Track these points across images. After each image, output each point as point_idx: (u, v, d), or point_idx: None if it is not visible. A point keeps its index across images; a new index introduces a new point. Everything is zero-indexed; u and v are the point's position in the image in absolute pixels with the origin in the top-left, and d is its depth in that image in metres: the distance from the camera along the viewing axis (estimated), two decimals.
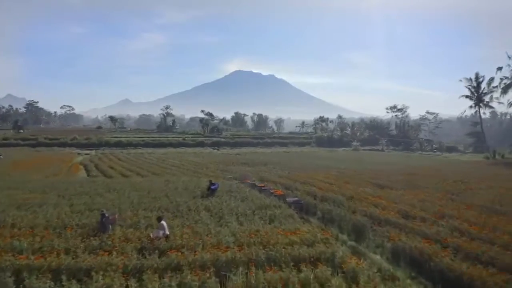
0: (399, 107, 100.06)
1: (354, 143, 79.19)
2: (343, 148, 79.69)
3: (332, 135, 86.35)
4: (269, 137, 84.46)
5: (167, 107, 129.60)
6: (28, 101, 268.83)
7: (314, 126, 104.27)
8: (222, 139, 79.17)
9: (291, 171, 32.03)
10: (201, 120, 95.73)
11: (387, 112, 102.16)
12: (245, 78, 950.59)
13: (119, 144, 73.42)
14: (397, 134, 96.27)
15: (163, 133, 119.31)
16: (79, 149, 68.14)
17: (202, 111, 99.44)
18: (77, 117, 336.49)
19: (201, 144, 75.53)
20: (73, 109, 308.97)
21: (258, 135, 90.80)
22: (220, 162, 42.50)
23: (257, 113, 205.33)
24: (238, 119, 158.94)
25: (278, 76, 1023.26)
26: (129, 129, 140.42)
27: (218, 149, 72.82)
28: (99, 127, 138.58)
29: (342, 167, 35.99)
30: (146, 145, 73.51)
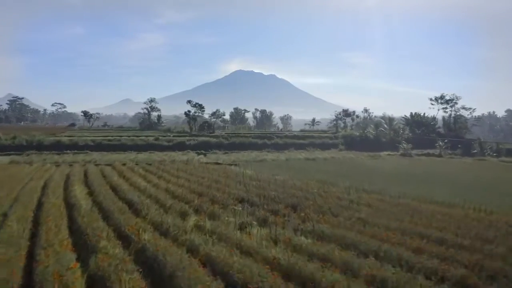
0: (447, 97, 74.49)
1: (404, 146, 53.43)
2: (386, 153, 54.03)
3: (365, 134, 60.65)
4: (278, 136, 58.79)
5: (151, 101, 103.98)
6: (13, 97, 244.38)
7: (334, 122, 78.31)
8: (213, 140, 53.37)
9: None
10: (187, 114, 69.75)
11: (432, 105, 76.52)
12: (246, 77, 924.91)
13: (57, 146, 47.84)
14: (447, 133, 70.58)
15: (145, 131, 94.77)
16: None
17: (189, 101, 73.71)
18: (70, 116, 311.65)
19: (181, 146, 49.85)
20: (64, 106, 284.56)
21: (264, 134, 64.88)
22: (181, 194, 16.96)
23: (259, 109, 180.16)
24: (237, 115, 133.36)
25: (279, 76, 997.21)
26: (106, 127, 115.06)
27: (205, 155, 47.33)
28: (72, 124, 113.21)
29: None
30: (98, 147, 47.89)
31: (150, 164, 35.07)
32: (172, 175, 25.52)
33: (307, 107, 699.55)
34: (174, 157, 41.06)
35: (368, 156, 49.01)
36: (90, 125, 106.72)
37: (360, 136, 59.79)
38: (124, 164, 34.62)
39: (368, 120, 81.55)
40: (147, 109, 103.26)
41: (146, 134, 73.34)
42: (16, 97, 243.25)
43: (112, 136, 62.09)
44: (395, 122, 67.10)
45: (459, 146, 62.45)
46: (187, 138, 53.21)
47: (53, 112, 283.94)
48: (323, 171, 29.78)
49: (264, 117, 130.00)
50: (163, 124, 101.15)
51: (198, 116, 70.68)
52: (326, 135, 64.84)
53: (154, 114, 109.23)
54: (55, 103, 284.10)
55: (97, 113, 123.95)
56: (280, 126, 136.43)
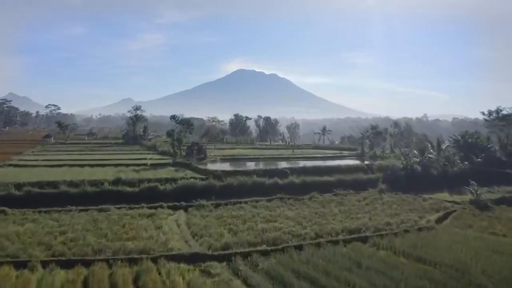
0: (504, 111, 57.13)
1: (475, 189, 36.11)
2: (448, 197, 37.01)
3: (411, 165, 43.38)
4: (294, 169, 41.13)
5: (136, 108, 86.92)
6: (0, 99, 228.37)
7: (361, 141, 60.58)
8: (201, 182, 35.70)
9: None
10: (170, 133, 51.79)
11: (486, 121, 59.49)
12: (247, 77, 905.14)
13: None
14: (508, 160, 53.05)
15: (128, 145, 78.63)
16: None
17: (173, 117, 56.21)
18: (64, 117, 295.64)
19: (152, 195, 32.55)
20: (59, 108, 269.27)
21: (271, 165, 47.72)
22: None
23: (261, 114, 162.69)
24: (238, 123, 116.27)
25: (280, 75, 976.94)
26: (88, 137, 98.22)
27: (186, 210, 30.43)
28: (48, 136, 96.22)
29: None
30: (24, 200, 30.89)
31: None
32: None
33: (309, 106, 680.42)
34: (127, 225, 24.12)
35: (431, 209, 32.04)
36: (66, 136, 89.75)
37: (404, 168, 42.62)
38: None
39: (398, 136, 64.36)
40: (132, 118, 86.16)
41: (123, 154, 56.60)
42: (5, 99, 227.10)
43: (76, 159, 45.33)
44: (445, 145, 49.96)
45: None
46: (163, 179, 35.90)
47: (47, 114, 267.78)
48: None
49: (268, 126, 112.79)
50: (149, 137, 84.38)
51: (185, 134, 53.38)
52: (354, 163, 47.77)
53: (146, 120, 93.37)
54: (49, 104, 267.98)
55: (73, 124, 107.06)
56: (286, 134, 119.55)
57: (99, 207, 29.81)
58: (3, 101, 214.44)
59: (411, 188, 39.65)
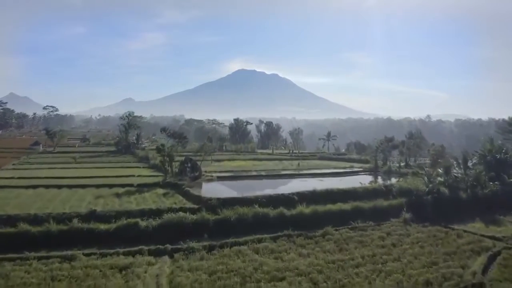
0: None
1: None
2: (487, 235, 31.05)
3: (437, 188, 37.31)
4: (301, 193, 35.31)
5: (129, 115, 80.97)
6: None
7: (374, 156, 54.24)
8: (191, 217, 29.23)
9: None
10: (160, 149, 45.46)
11: (510, 126, 53.20)
12: (248, 77, 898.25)
13: None
14: None
15: (120, 155, 73.27)
16: None
17: (163, 129, 50.37)
18: (63, 118, 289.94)
19: (131, 235, 26.33)
20: (57, 109, 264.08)
21: (272, 187, 41.74)
22: None
23: (262, 114, 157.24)
24: (238, 128, 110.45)
25: (281, 75, 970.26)
26: (78, 144, 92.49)
27: (171, 256, 24.41)
28: (36, 143, 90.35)
29: None
30: None
31: None
32: None
33: (310, 106, 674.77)
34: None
35: (471, 250, 26.01)
36: (55, 144, 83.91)
37: (429, 192, 36.61)
38: None
39: (415, 148, 58.23)
40: (124, 126, 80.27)
41: (110, 167, 50.52)
42: (0, 101, 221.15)
43: (57, 177, 39.62)
44: (473, 162, 43.96)
45: None
46: (146, 211, 29.89)
47: (44, 116, 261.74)
48: None
49: (271, 131, 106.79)
50: (143, 145, 78.53)
51: (176, 149, 47.34)
52: (370, 185, 41.87)
53: (147, 120, 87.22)
54: (47, 106, 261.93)
55: (61, 130, 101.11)
56: (289, 139, 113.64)
57: (64, 253, 23.94)
58: None
59: (438, 216, 33.79)
